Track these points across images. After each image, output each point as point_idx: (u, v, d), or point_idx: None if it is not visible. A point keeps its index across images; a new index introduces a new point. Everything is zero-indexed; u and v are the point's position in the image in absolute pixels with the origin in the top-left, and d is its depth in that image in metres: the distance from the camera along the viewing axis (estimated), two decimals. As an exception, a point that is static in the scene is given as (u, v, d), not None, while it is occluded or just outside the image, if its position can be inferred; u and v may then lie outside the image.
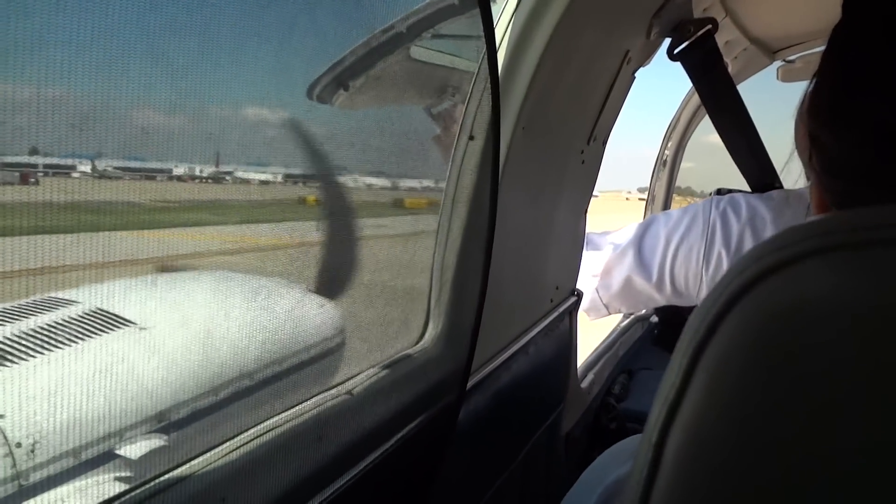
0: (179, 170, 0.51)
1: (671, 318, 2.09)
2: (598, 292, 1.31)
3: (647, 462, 0.26)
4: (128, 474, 0.52)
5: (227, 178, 0.56)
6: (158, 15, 0.44)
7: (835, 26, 0.52)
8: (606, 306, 1.33)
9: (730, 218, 1.10)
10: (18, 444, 0.46)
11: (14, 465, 0.46)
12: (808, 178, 0.80)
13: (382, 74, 0.73)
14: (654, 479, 0.26)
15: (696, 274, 1.13)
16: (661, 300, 1.23)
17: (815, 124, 0.52)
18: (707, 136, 2.42)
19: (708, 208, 1.13)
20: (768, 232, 1.06)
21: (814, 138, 0.52)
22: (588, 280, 1.31)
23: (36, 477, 0.47)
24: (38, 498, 0.47)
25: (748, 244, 1.07)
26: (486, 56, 0.69)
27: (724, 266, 1.08)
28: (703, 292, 1.14)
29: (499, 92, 0.69)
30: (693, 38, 1.24)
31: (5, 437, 0.46)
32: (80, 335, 0.55)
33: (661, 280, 1.18)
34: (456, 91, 0.79)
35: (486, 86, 0.75)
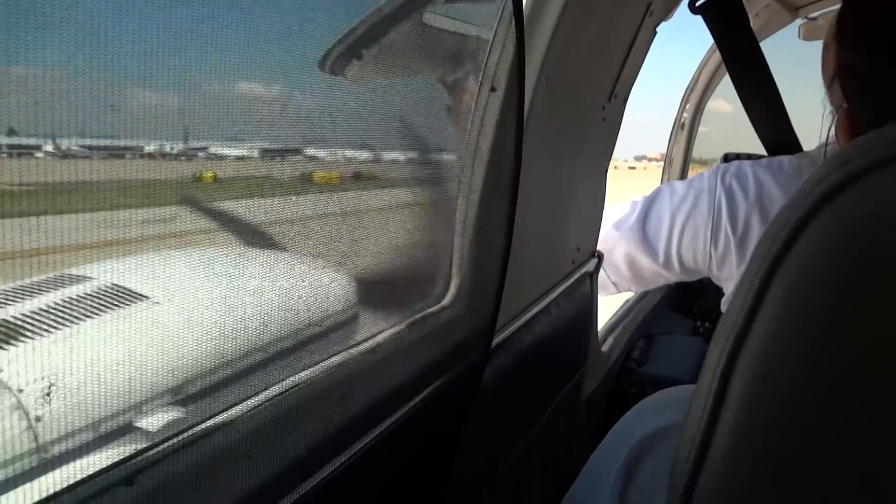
0: (199, 144, 0.50)
1: (688, 284, 2.07)
2: (605, 270, 1.28)
3: (711, 392, 0.24)
4: (149, 442, 0.51)
5: (244, 149, 0.55)
6: None
7: None
8: (615, 284, 1.31)
9: (736, 196, 1.05)
10: (38, 419, 0.45)
11: (35, 439, 0.45)
12: (833, 115, 0.77)
13: (397, 39, 0.70)
14: (720, 410, 0.24)
15: (703, 253, 1.10)
16: (671, 278, 1.20)
17: (844, 51, 0.50)
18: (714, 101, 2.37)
19: (714, 182, 1.09)
20: (776, 209, 1.03)
21: (843, 66, 0.50)
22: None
23: (57, 450, 0.47)
24: (61, 469, 0.46)
25: (756, 226, 1.03)
26: (511, 5, 0.66)
27: (732, 246, 1.05)
28: (714, 269, 1.11)
29: (524, 41, 0.67)
30: (715, -10, 1.21)
31: (25, 412, 0.45)
32: (96, 310, 0.55)
33: (669, 259, 1.15)
34: (475, 41, 0.77)
35: (508, 34, 0.72)
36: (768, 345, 0.21)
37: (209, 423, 0.50)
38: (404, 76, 0.74)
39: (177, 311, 0.55)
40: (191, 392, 0.55)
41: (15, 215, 0.36)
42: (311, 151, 0.66)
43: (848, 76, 0.53)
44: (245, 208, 0.60)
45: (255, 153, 0.58)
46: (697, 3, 1.20)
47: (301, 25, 0.57)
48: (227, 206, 0.58)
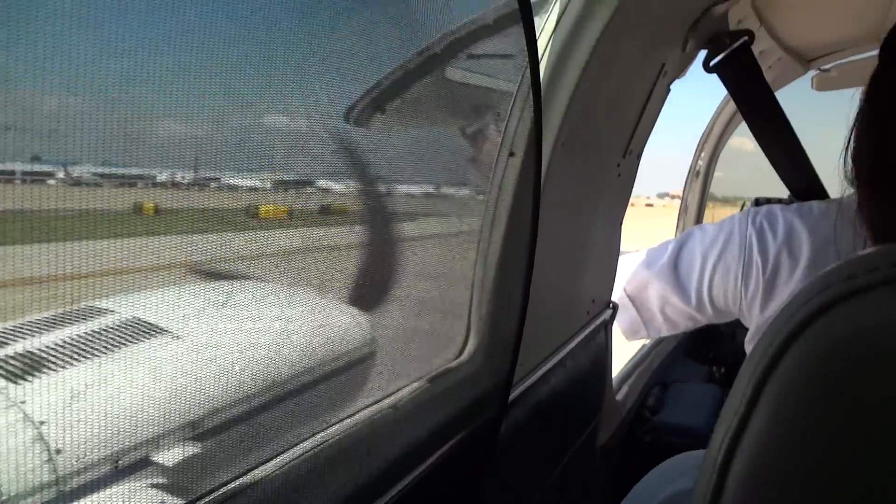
0: (222, 176, 0.52)
1: (704, 331, 2.07)
2: (637, 314, 1.28)
3: (709, 488, 0.27)
4: (166, 482, 0.52)
5: (267, 187, 0.58)
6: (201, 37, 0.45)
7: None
8: (646, 327, 1.30)
9: (766, 235, 1.08)
10: (59, 451, 0.47)
11: (55, 471, 0.46)
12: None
13: (421, 96, 0.74)
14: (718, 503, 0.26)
15: (734, 293, 1.11)
16: (702, 320, 1.20)
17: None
18: (734, 141, 2.40)
19: (745, 224, 1.11)
20: (804, 250, 1.04)
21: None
22: (625, 301, 1.29)
23: (75, 483, 0.48)
24: (79, 502, 0.47)
25: (785, 265, 1.05)
26: (528, 72, 0.70)
27: (761, 285, 1.06)
28: (744, 309, 1.12)
29: (541, 108, 0.70)
30: (729, 50, 1.24)
31: (46, 444, 0.46)
32: (118, 344, 0.56)
33: (700, 300, 1.15)
34: (495, 108, 0.80)
35: (527, 102, 0.75)
36: (761, 446, 0.24)
37: (233, 484, 0.51)
38: (426, 140, 0.78)
39: (200, 352, 0.55)
40: (208, 445, 0.56)
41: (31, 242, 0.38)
42: (336, 212, 0.69)
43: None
44: (273, 265, 0.63)
45: (286, 212, 0.61)
46: (711, 63, 1.23)
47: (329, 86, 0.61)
48: (255, 265, 0.60)
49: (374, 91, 0.70)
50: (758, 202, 1.84)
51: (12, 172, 0.36)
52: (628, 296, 1.26)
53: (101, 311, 0.58)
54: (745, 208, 1.46)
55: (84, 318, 0.57)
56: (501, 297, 0.81)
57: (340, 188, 0.67)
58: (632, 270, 1.25)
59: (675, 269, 1.17)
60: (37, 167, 0.37)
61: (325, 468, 0.59)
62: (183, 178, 0.48)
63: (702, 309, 1.16)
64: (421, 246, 0.79)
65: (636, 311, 1.26)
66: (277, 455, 0.56)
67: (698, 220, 2.39)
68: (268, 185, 0.58)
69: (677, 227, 2.39)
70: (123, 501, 0.50)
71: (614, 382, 1.51)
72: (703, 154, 2.25)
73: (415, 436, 0.69)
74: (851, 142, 0.75)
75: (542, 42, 0.83)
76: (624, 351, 1.78)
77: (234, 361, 0.57)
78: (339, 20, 0.56)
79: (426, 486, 0.67)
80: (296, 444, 0.58)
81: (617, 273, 1.28)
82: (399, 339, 0.78)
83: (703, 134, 2.21)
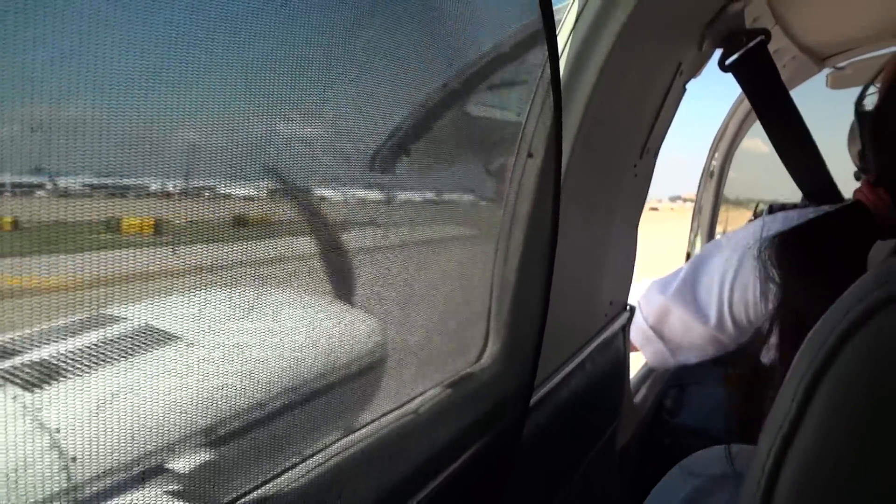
0: (234, 184, 0.51)
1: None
2: (663, 345, 1.26)
3: (759, 491, 0.26)
4: (186, 490, 0.52)
5: (286, 192, 0.57)
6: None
7: None
8: (673, 356, 1.28)
9: None
10: (74, 458, 0.46)
11: (70, 479, 0.46)
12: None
13: (441, 100, 0.73)
14: None
15: (754, 307, 1.10)
16: (726, 342, 1.17)
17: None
18: (747, 143, 2.39)
19: (759, 234, 1.10)
20: None
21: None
22: (649, 334, 1.26)
23: (90, 490, 0.48)
24: None
25: None
26: (547, 73, 0.69)
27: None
28: (764, 325, 1.10)
29: (561, 110, 0.70)
30: (745, 49, 1.23)
31: (61, 452, 0.45)
32: (131, 351, 0.56)
33: (721, 320, 1.13)
34: (513, 110, 0.80)
35: (546, 103, 0.75)
36: (814, 451, 0.23)
37: (259, 490, 0.51)
38: (444, 144, 0.77)
39: (220, 360, 0.55)
40: (228, 452, 0.56)
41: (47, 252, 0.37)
42: (354, 217, 0.69)
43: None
44: (294, 270, 0.62)
45: (306, 217, 0.61)
46: (727, 62, 1.22)
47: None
48: (273, 269, 0.60)
49: (394, 95, 0.70)
50: (772, 209, 1.83)
51: (30, 182, 0.36)
52: (651, 328, 1.24)
53: (113, 319, 0.58)
54: (758, 210, 1.45)
55: (98, 326, 0.57)
56: (521, 300, 0.81)
57: (358, 193, 0.67)
58: (648, 301, 1.23)
59: (693, 291, 1.16)
60: (40, 178, 0.36)
61: (349, 474, 0.58)
62: (202, 184, 0.48)
63: (723, 328, 1.14)
64: (440, 250, 0.78)
65: (661, 343, 1.24)
66: (302, 461, 0.56)
67: (712, 221, 2.38)
68: (287, 190, 0.58)
69: (691, 228, 2.38)
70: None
71: (632, 385, 1.50)
72: (716, 154, 2.23)
73: (437, 440, 0.69)
74: (866, 137, 0.74)
75: (560, 43, 0.82)
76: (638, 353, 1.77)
77: (254, 368, 0.57)
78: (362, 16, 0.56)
79: (449, 491, 0.67)
80: (319, 451, 0.58)
81: (632, 280, 1.28)
82: (419, 344, 0.78)
83: (716, 134, 2.19)
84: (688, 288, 1.16)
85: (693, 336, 1.18)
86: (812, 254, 0.75)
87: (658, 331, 1.23)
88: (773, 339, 1.09)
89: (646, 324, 1.24)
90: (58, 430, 0.46)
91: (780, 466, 0.25)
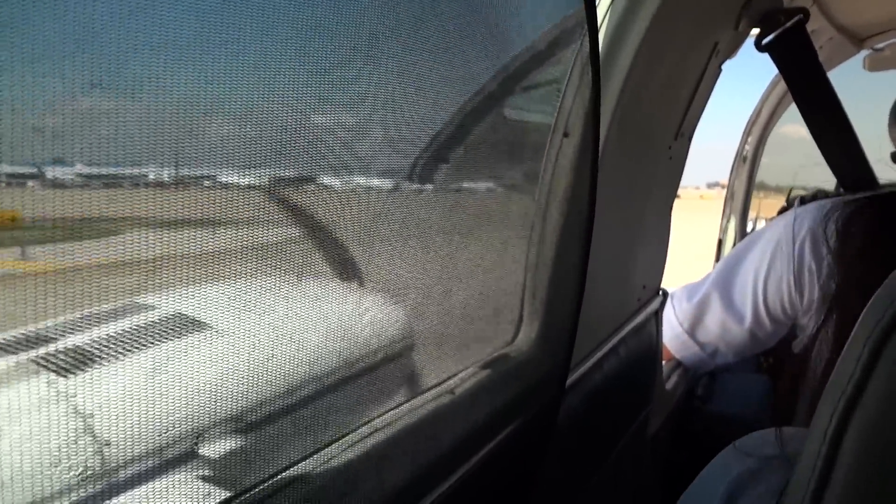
0: (279, 169, 0.51)
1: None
2: (700, 350, 1.24)
3: (820, 457, 0.25)
4: (218, 474, 0.52)
5: (317, 179, 0.57)
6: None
7: None
8: (713, 359, 1.27)
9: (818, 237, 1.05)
10: (108, 443, 0.47)
11: (103, 464, 0.47)
12: None
13: (476, 80, 0.73)
14: (829, 475, 0.25)
15: (789, 300, 1.09)
16: (762, 338, 1.16)
17: None
18: (781, 128, 2.34)
19: (790, 229, 1.08)
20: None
21: None
22: (684, 339, 1.25)
23: (123, 475, 0.48)
24: (126, 495, 0.47)
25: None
26: (586, 49, 0.68)
27: (816, 287, 1.04)
28: (800, 315, 1.09)
29: (599, 88, 0.69)
30: (782, 29, 1.21)
31: (94, 436, 0.46)
32: (162, 338, 0.56)
33: (757, 316, 1.12)
34: (550, 88, 0.79)
35: (582, 81, 0.74)
36: (880, 414, 0.22)
37: (296, 467, 0.51)
38: (479, 125, 0.77)
39: (254, 346, 0.55)
40: (265, 435, 0.56)
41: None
42: (390, 200, 0.69)
43: None
44: (323, 250, 0.62)
45: (338, 195, 0.61)
46: (764, 42, 1.20)
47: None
48: (304, 246, 0.60)
49: (432, 78, 0.70)
50: (803, 200, 1.80)
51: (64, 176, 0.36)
52: (687, 333, 1.23)
53: (145, 307, 0.59)
54: (790, 197, 1.43)
55: (130, 314, 0.57)
56: (556, 282, 0.80)
57: (398, 180, 0.66)
58: (680, 307, 1.23)
59: (727, 291, 1.15)
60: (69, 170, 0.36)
61: (388, 453, 0.58)
62: (239, 174, 0.47)
63: (760, 324, 1.13)
64: (475, 231, 0.78)
65: (698, 347, 1.24)
66: (342, 437, 0.56)
67: (745, 207, 2.34)
68: (323, 177, 0.58)
69: (723, 213, 2.35)
70: (171, 490, 0.49)
71: (664, 371, 1.49)
72: (750, 138, 2.20)
73: (473, 420, 0.68)
74: None
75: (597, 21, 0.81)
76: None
77: (296, 353, 0.57)
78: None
79: (486, 470, 0.67)
80: (358, 428, 0.58)
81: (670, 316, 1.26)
82: (454, 325, 0.78)
83: (750, 117, 2.16)
84: (721, 289, 1.16)
85: (731, 337, 1.17)
86: (885, 224, 0.74)
87: (694, 335, 1.23)
88: (812, 329, 1.08)
89: (681, 328, 1.23)
90: (91, 415, 0.46)
91: (843, 434, 0.24)
